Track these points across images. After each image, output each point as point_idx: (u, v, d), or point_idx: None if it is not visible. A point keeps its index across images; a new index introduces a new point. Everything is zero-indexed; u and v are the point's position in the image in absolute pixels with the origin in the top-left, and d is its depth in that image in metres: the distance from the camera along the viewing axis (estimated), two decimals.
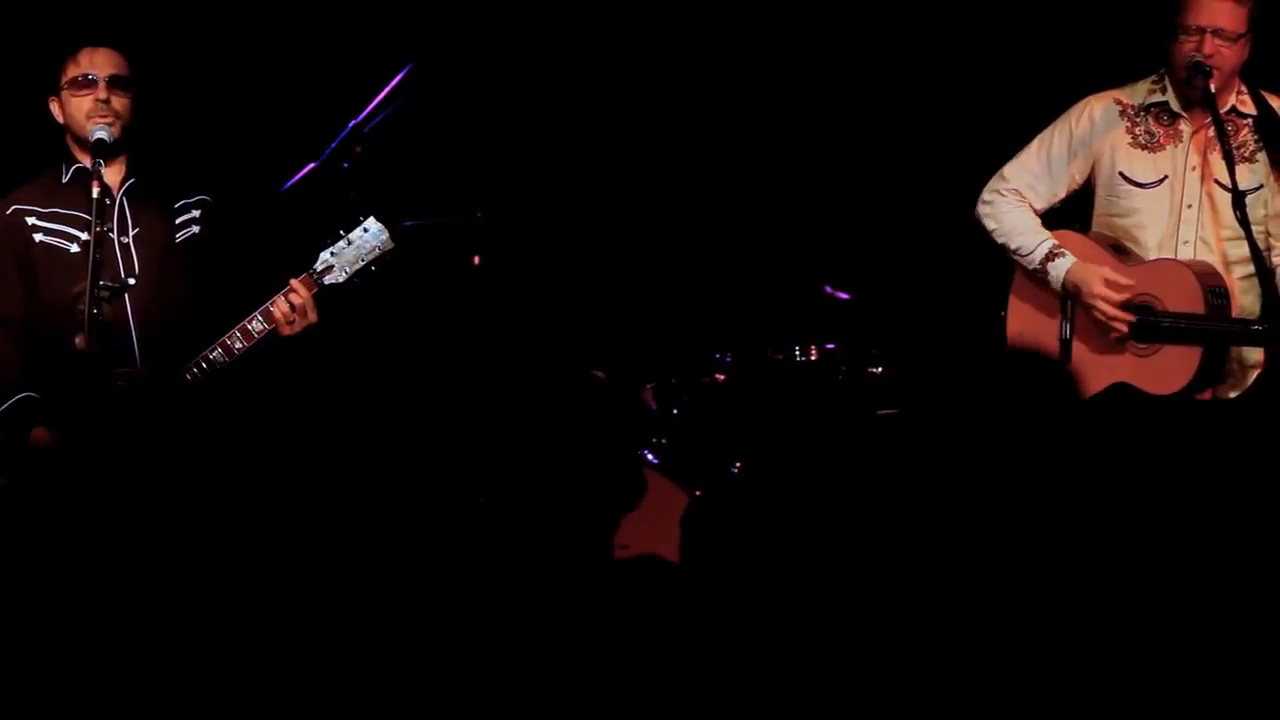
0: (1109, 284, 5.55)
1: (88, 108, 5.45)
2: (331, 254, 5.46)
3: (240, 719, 5.51)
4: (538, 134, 7.22)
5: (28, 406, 5.48)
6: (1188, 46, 5.48)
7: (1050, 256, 5.64)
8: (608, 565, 6.95)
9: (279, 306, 5.45)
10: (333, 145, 5.64)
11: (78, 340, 5.23)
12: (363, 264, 5.46)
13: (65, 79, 5.48)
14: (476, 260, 6.75)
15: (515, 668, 5.98)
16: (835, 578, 6.61)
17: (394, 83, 5.70)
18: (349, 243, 5.46)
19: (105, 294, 5.25)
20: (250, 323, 5.45)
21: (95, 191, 5.27)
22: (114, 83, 5.46)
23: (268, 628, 5.85)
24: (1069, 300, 5.64)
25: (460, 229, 6.73)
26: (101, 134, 5.39)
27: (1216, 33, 5.46)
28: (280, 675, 5.74)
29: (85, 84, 5.46)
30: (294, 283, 5.46)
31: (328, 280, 5.47)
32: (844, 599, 6.46)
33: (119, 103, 5.47)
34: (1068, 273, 5.61)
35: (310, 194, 5.77)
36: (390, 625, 6.21)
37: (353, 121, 5.65)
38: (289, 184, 5.73)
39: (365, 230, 5.46)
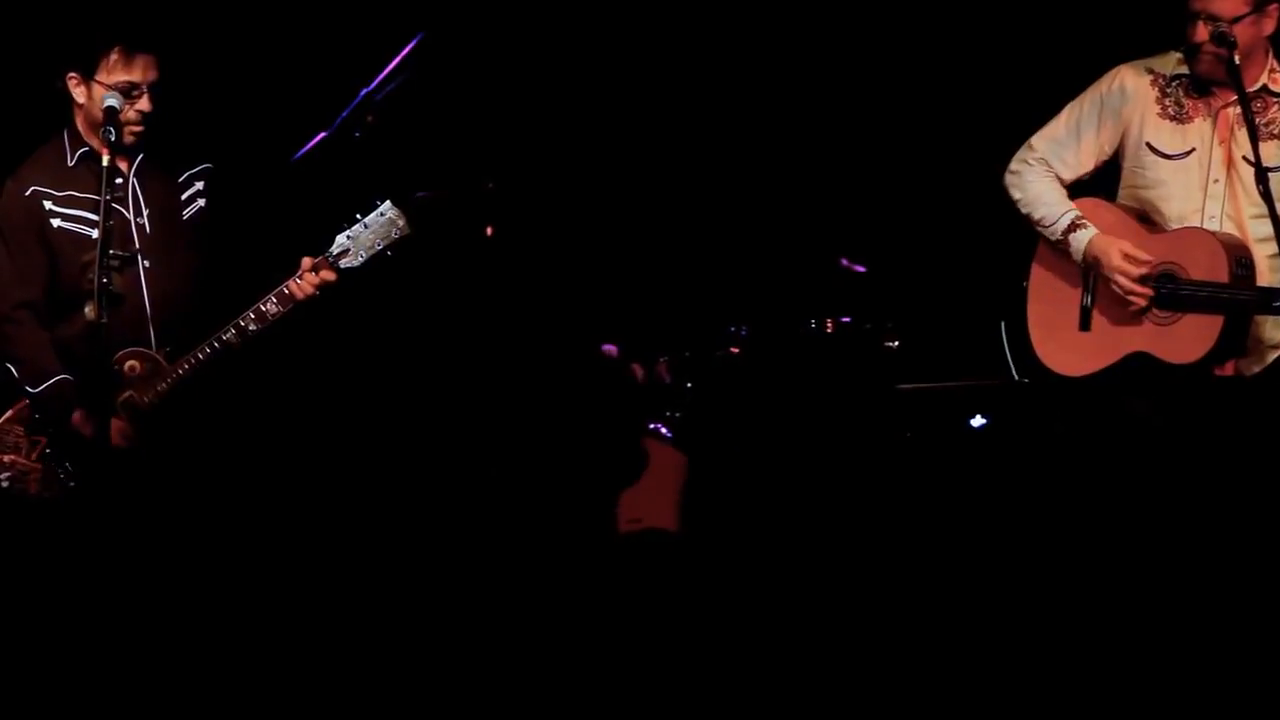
0: (1128, 258, 5.51)
1: (131, 116, 5.41)
2: (348, 237, 5.42)
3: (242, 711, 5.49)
4: (552, 104, 7.18)
5: (64, 388, 5.46)
6: (1190, 30, 5.46)
7: (1072, 228, 5.60)
8: (617, 539, 6.93)
9: (301, 287, 5.42)
10: (344, 114, 5.60)
11: (87, 310, 5.22)
12: (379, 248, 5.42)
13: (109, 79, 5.40)
14: (490, 231, 6.71)
15: (524, 640, 5.95)
16: (852, 551, 6.59)
17: (404, 52, 5.65)
18: (365, 226, 5.42)
19: (115, 263, 5.24)
20: (265, 304, 5.42)
21: (105, 159, 5.22)
22: (153, 88, 5.43)
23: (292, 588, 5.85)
24: (1090, 270, 5.59)
25: (473, 200, 6.69)
26: (112, 101, 5.34)
27: (1209, 18, 5.41)
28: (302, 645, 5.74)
29: (132, 93, 5.41)
30: (319, 274, 5.43)
31: (343, 264, 5.42)
32: (860, 573, 6.44)
33: (151, 107, 5.44)
34: (1088, 245, 5.57)
35: (321, 164, 5.72)
36: (402, 597, 6.20)
37: (364, 90, 5.60)
38: (300, 153, 5.68)
39: (381, 214, 5.42)
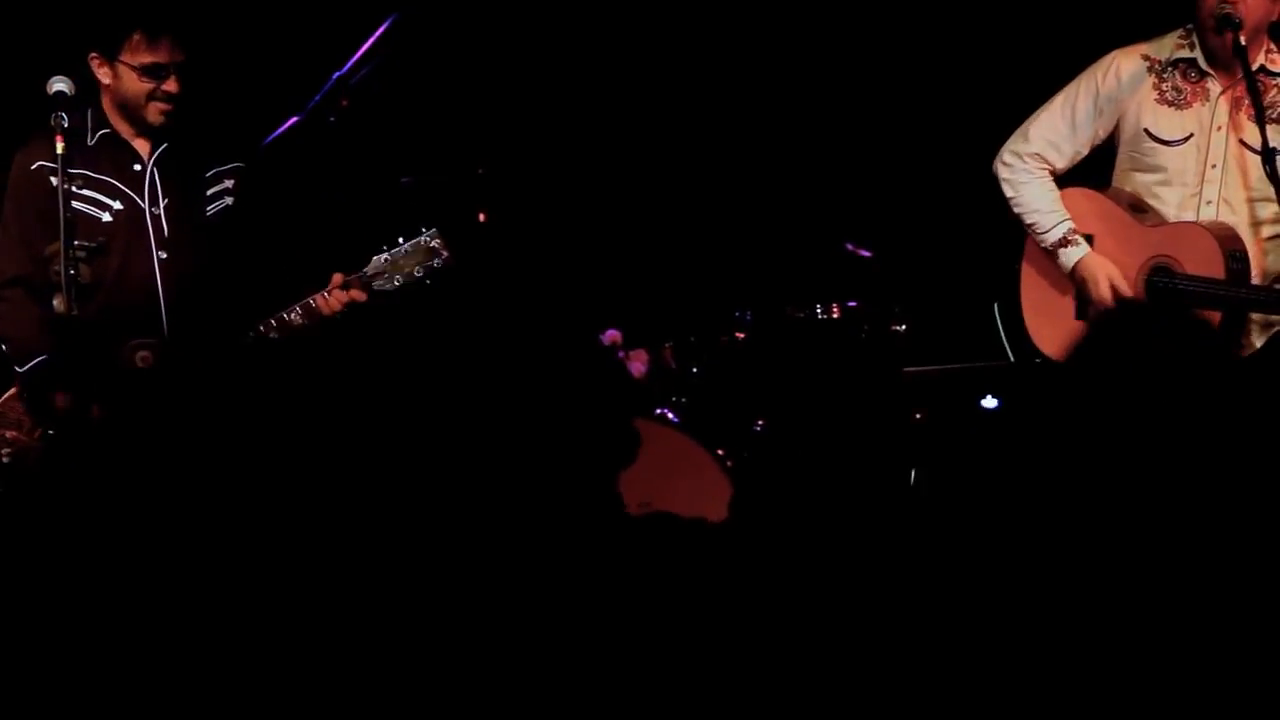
0: (1114, 291, 5.53)
1: (160, 103, 5.38)
2: (386, 260, 5.39)
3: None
4: (549, 87, 7.14)
5: (49, 368, 5.41)
6: (1201, 5, 5.42)
7: (1063, 242, 5.62)
8: (624, 523, 6.90)
9: (326, 303, 5.39)
10: (316, 99, 5.53)
11: (55, 303, 5.15)
12: (417, 275, 5.38)
13: (134, 60, 5.37)
14: (483, 217, 6.65)
15: (526, 629, 5.90)
16: (857, 537, 6.55)
17: (377, 34, 5.58)
18: (405, 251, 5.38)
19: (81, 254, 5.17)
20: (289, 314, 5.40)
21: (60, 147, 5.14)
22: (177, 69, 5.39)
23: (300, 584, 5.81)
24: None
25: (465, 185, 6.63)
26: (61, 86, 5.25)
27: None
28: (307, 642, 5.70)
29: (157, 73, 5.37)
30: (348, 294, 5.39)
31: (376, 285, 5.39)
32: (866, 558, 6.39)
33: (178, 87, 5.40)
34: (1078, 263, 5.59)
35: (304, 150, 5.66)
36: (407, 592, 6.15)
37: (336, 74, 5.54)
38: (270, 138, 5.61)
39: (424, 240, 5.37)
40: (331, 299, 5.39)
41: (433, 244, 5.37)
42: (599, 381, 7.06)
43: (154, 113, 5.38)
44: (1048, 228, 5.62)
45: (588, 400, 6.99)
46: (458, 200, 6.57)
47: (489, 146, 6.79)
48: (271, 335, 5.38)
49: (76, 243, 5.12)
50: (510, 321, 6.87)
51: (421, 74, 6.29)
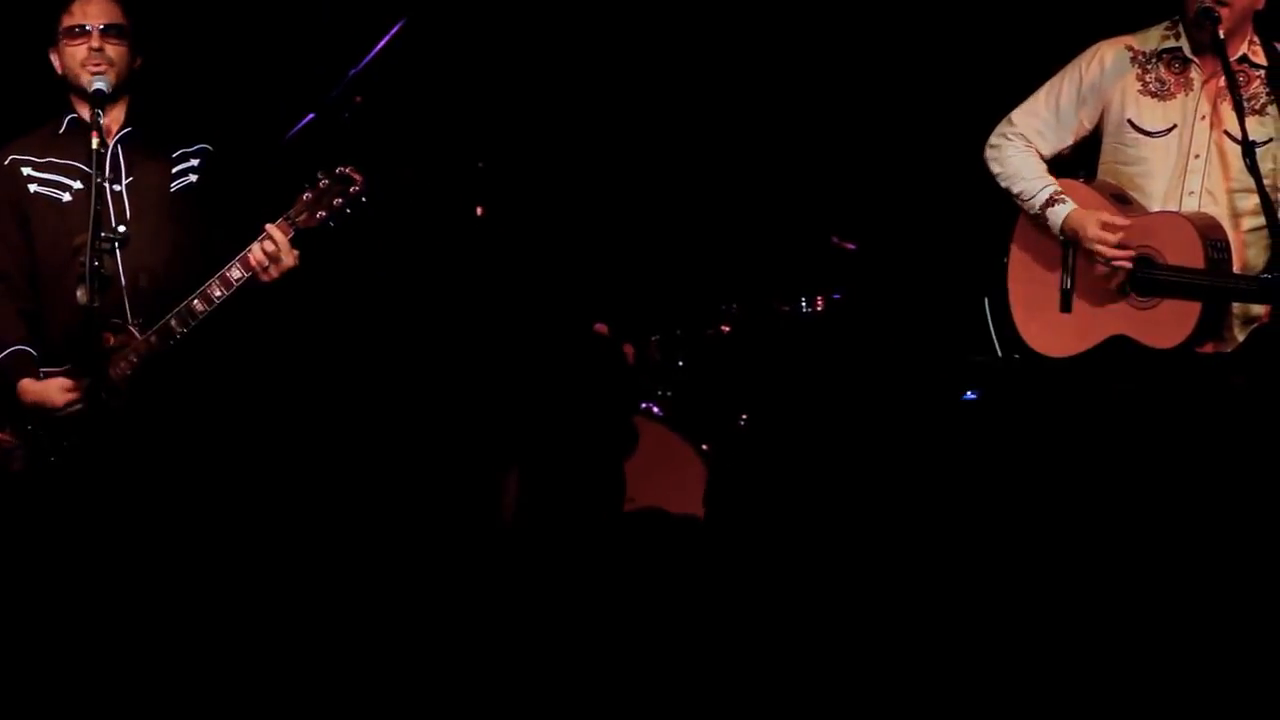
0: (1105, 226, 5.51)
1: (82, 57, 5.41)
2: (308, 197, 5.37)
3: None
4: (543, 84, 7.16)
5: (20, 360, 5.45)
6: None
7: (1050, 202, 5.61)
8: (615, 519, 6.93)
9: (254, 253, 5.36)
10: (333, 95, 5.59)
11: (79, 294, 5.14)
12: (336, 205, 5.36)
13: (61, 29, 5.44)
14: (480, 211, 6.70)
15: (523, 623, 5.96)
16: (843, 530, 6.59)
17: (391, 34, 5.65)
18: (323, 187, 5.37)
19: (107, 246, 5.18)
20: (230, 270, 5.37)
21: (95, 143, 5.21)
22: (108, 32, 5.43)
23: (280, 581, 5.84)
24: (1071, 249, 5.60)
25: (463, 179, 6.68)
26: (100, 84, 5.33)
27: None
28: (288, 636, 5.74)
29: (78, 34, 5.42)
30: (269, 228, 5.37)
31: (301, 223, 5.37)
32: (852, 551, 6.44)
33: (113, 51, 5.44)
34: (1066, 219, 5.58)
35: (310, 145, 5.72)
36: (392, 583, 6.20)
37: (352, 71, 5.60)
38: (290, 134, 5.68)
39: (339, 174, 5.37)
40: (257, 247, 5.36)
41: (346, 171, 5.35)
42: (600, 374, 7.08)
43: (86, 76, 5.39)
44: (1034, 193, 5.61)
45: (589, 393, 7.02)
46: (457, 194, 6.64)
47: (488, 142, 6.85)
48: (216, 293, 5.35)
49: (103, 234, 5.14)
50: (504, 313, 6.91)
51: (421, 69, 6.33)
